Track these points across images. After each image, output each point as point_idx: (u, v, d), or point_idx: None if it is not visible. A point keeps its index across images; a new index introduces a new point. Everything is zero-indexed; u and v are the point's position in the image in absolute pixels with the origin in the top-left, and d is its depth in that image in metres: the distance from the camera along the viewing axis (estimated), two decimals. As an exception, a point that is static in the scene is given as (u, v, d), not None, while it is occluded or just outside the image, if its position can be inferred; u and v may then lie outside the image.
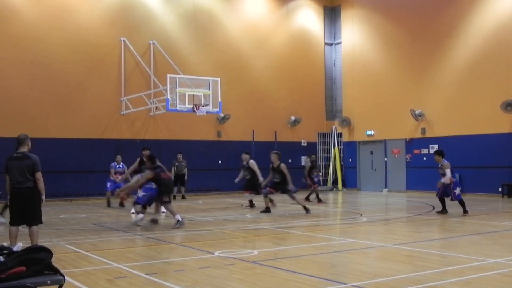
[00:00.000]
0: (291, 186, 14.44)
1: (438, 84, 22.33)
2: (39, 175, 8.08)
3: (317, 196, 18.59)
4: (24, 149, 8.25)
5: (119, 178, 16.34)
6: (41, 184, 8.08)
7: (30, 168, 8.03)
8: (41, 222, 8.28)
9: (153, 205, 12.79)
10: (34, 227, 8.16)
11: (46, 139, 19.62)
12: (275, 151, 15.26)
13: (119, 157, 17.29)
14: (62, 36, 20.31)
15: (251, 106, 24.39)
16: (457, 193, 13.50)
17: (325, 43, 27.26)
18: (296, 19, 26.31)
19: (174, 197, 20.73)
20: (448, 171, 13.35)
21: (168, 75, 18.73)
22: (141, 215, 11.83)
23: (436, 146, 22.24)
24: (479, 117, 20.77)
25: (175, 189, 20.92)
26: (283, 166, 14.39)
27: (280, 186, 14.53)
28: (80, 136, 20.32)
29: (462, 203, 13.50)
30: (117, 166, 17.13)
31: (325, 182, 26.51)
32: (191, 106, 18.31)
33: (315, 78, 26.74)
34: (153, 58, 22.07)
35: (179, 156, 20.71)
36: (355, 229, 11.47)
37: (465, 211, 13.45)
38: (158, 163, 12.29)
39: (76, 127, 20.41)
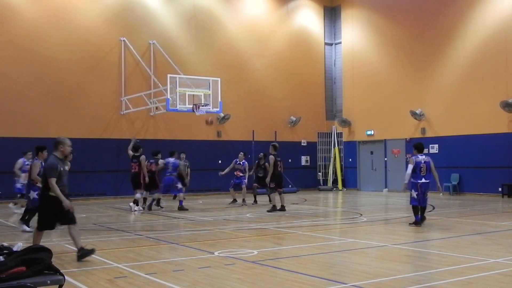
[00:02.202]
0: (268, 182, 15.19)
1: (438, 84, 22.33)
2: (49, 182, 7.57)
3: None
4: (56, 152, 7.84)
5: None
6: (54, 191, 7.55)
7: (43, 173, 7.99)
8: (39, 227, 7.85)
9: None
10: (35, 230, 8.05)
11: (46, 139, 19.56)
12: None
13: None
14: (62, 36, 20.32)
15: (251, 106, 24.39)
16: (411, 196, 11.54)
17: (325, 43, 27.26)
18: (296, 19, 26.31)
19: (174, 197, 20.70)
20: (409, 167, 11.56)
21: (168, 75, 18.74)
22: None
23: (436, 146, 22.27)
24: (479, 117, 20.76)
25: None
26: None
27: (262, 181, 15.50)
28: (80, 136, 20.29)
29: (414, 211, 11.50)
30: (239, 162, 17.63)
31: (325, 182, 26.53)
32: (191, 106, 18.33)
33: (315, 78, 26.73)
34: (153, 58, 22.07)
35: (182, 155, 20.66)
36: (355, 229, 11.47)
37: (415, 222, 11.43)
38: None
39: (76, 127, 20.40)
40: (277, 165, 15.10)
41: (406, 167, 12.15)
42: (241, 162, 17.75)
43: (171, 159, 15.99)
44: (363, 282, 6.11)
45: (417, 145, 12.02)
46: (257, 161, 18.35)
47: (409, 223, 11.59)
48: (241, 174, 17.69)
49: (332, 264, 7.46)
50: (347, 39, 26.64)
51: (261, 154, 18.53)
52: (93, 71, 20.95)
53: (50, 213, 7.69)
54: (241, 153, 18.18)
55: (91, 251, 7.74)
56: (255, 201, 17.68)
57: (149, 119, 22.10)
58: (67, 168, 7.94)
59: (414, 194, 11.47)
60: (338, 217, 15.05)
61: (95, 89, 20.90)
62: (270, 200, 15.23)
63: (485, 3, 20.85)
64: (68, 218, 7.77)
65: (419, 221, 11.42)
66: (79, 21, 20.75)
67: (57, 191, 7.56)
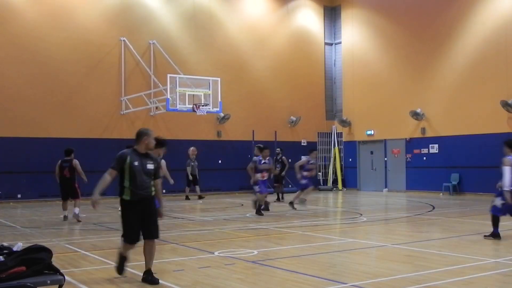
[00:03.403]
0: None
1: (438, 84, 22.33)
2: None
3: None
4: (137, 145, 6.48)
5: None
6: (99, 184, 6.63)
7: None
8: (123, 238, 6.65)
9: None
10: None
11: (46, 139, 19.63)
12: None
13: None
14: (62, 36, 20.32)
15: (251, 106, 24.39)
16: (493, 204, 9.61)
17: (325, 43, 27.25)
18: (296, 19, 26.30)
19: (187, 197, 20.58)
20: (506, 171, 9.58)
21: (168, 75, 18.75)
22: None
23: (436, 146, 22.28)
24: (479, 117, 20.75)
25: (187, 189, 20.69)
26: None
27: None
28: (80, 136, 20.31)
29: (494, 221, 9.45)
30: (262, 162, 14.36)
31: (325, 182, 26.52)
32: (191, 106, 18.34)
33: (315, 78, 26.73)
34: (153, 58, 22.07)
35: (193, 156, 20.53)
36: (355, 229, 11.47)
37: (493, 235, 9.35)
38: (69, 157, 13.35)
39: (76, 127, 20.41)
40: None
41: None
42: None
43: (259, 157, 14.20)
44: (363, 282, 6.12)
45: (510, 143, 9.83)
46: (274, 157, 19.19)
47: (485, 235, 9.53)
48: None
49: (332, 264, 7.46)
50: (347, 39, 26.64)
51: (278, 149, 19.61)
52: (93, 71, 20.95)
53: (129, 220, 6.41)
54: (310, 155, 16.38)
55: (155, 282, 6.26)
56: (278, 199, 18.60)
57: (149, 119, 22.09)
58: (150, 166, 6.41)
59: (499, 202, 9.45)
60: (338, 217, 15.05)
61: (95, 89, 20.90)
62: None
63: (485, 3, 20.84)
64: (148, 231, 6.44)
65: (497, 233, 9.36)
66: (79, 21, 20.75)
67: (99, 184, 6.49)
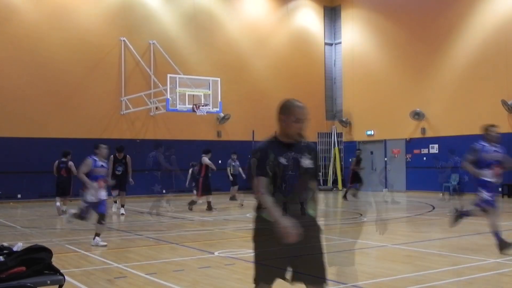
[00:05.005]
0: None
1: (438, 84, 22.33)
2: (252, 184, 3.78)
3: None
4: (279, 133, 3.91)
5: None
6: (264, 204, 3.76)
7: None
8: (254, 277, 3.95)
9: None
10: None
11: (46, 139, 19.62)
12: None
13: None
14: (62, 36, 20.32)
15: (251, 106, 24.38)
16: None
17: (325, 43, 27.26)
18: (296, 19, 26.30)
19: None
20: None
21: (168, 75, 18.76)
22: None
23: (436, 146, 22.27)
24: (479, 117, 20.69)
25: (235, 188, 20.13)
26: None
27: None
28: (80, 136, 20.29)
29: None
30: None
31: (325, 182, 26.52)
32: (191, 106, 18.35)
33: (315, 78, 26.72)
34: (153, 58, 22.07)
35: (234, 156, 20.08)
36: (355, 229, 11.46)
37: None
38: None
39: (76, 127, 20.40)
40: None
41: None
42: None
43: None
44: (363, 282, 6.11)
45: None
46: (355, 158, 19.88)
47: None
48: None
49: (332, 264, 7.46)
50: (347, 39, 26.64)
51: (359, 150, 20.60)
52: (93, 71, 20.95)
53: (269, 248, 3.81)
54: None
55: None
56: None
57: (149, 119, 22.09)
58: (307, 162, 3.85)
59: None
60: (338, 217, 15.05)
61: (95, 89, 20.90)
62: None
63: (485, 3, 20.85)
64: (308, 271, 3.89)
65: None
66: (79, 22, 20.75)
67: (269, 209, 3.64)
